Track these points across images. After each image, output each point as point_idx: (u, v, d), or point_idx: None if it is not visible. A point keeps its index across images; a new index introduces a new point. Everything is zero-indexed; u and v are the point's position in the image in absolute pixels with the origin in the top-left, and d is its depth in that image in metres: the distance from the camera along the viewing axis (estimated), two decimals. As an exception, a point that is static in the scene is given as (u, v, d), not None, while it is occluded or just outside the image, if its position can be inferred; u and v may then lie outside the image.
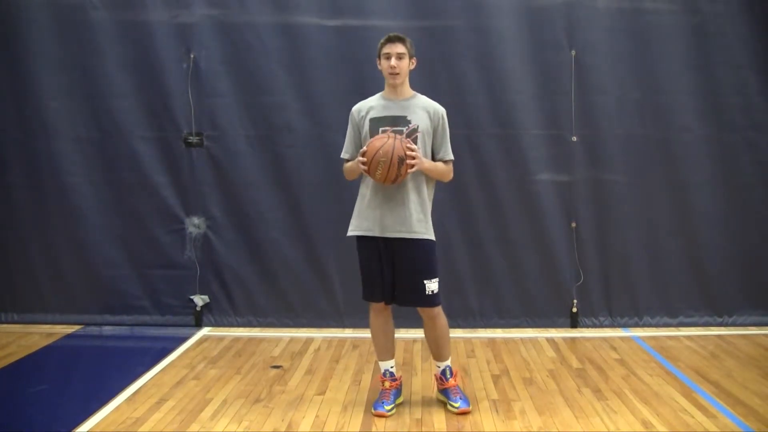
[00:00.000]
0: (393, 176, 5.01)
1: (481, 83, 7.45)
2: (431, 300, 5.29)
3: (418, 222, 5.22)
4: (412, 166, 5.04)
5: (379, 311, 5.43)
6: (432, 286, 5.26)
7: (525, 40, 7.46)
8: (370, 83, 6.96)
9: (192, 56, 7.50)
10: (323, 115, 7.48)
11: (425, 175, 5.26)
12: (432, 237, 5.31)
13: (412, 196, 5.22)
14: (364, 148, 5.08)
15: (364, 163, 5.04)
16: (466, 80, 7.43)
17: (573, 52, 7.44)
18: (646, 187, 7.55)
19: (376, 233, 5.23)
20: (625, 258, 7.62)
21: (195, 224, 7.63)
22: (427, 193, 5.33)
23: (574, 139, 7.49)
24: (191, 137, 7.56)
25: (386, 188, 5.17)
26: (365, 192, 5.30)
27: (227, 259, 7.66)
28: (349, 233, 5.38)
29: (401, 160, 4.98)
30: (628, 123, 7.50)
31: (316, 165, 7.52)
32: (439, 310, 5.37)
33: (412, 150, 5.05)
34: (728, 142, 7.53)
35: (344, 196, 7.26)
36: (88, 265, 7.69)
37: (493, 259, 7.59)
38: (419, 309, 5.38)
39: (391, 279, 5.31)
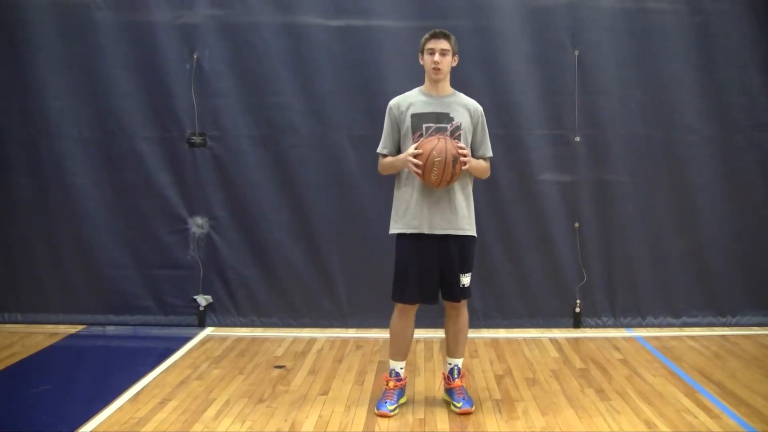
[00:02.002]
0: (448, 176, 5.02)
1: (484, 83, 7.44)
2: (462, 293, 5.35)
3: (463, 218, 5.27)
4: (465, 163, 5.06)
5: (405, 313, 5.40)
6: (465, 280, 5.32)
7: (528, 41, 7.47)
8: (374, 83, 6.99)
9: (195, 56, 7.50)
10: (327, 115, 7.48)
11: (469, 172, 5.29)
12: (475, 233, 5.38)
13: (459, 194, 5.26)
14: (415, 149, 5.07)
15: (417, 166, 5.03)
16: (469, 80, 7.40)
17: (576, 52, 7.44)
18: (650, 187, 7.56)
19: (425, 230, 5.23)
20: (629, 258, 7.62)
21: (198, 224, 7.63)
22: (471, 190, 5.39)
23: (578, 139, 7.50)
24: (194, 137, 7.56)
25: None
26: (411, 190, 5.27)
27: (230, 259, 7.66)
28: (395, 231, 5.35)
29: (455, 159, 5.00)
30: (631, 123, 7.51)
31: (320, 165, 7.52)
32: (464, 304, 5.43)
33: (463, 148, 5.08)
34: (732, 142, 7.54)
35: (347, 196, 7.32)
36: (91, 265, 7.69)
37: (496, 259, 7.59)
38: (446, 302, 5.41)
39: (437, 277, 5.31)
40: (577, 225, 7.57)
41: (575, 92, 7.46)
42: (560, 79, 7.49)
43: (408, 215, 5.28)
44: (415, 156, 5.04)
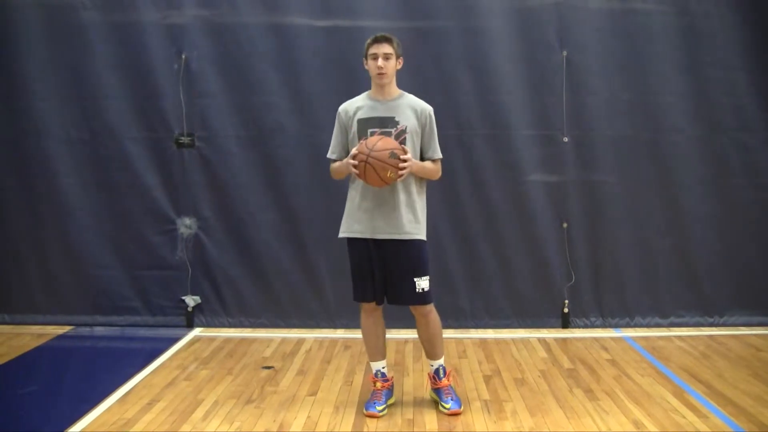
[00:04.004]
0: (386, 174, 4.98)
1: (472, 84, 7.46)
2: (422, 298, 5.30)
3: (408, 223, 5.24)
4: (404, 168, 5.04)
5: (370, 312, 5.44)
6: (422, 284, 5.27)
7: (516, 41, 7.48)
8: (361, 84, 6.94)
9: (183, 57, 7.49)
10: (314, 115, 7.47)
11: (414, 175, 5.27)
12: (422, 237, 5.32)
13: (402, 197, 5.23)
14: (354, 150, 5.08)
15: (356, 167, 5.04)
16: (457, 81, 7.44)
17: (564, 53, 7.45)
18: (637, 187, 7.57)
19: (367, 235, 5.25)
20: (616, 258, 7.63)
21: (186, 225, 7.62)
22: (417, 193, 5.33)
23: (566, 139, 7.51)
24: (182, 138, 7.55)
25: (376, 190, 5.18)
26: (355, 194, 5.31)
27: (218, 259, 7.65)
28: (341, 235, 5.39)
29: (393, 155, 4.97)
30: (619, 123, 7.52)
31: (307, 166, 7.52)
32: (431, 308, 5.39)
33: (405, 152, 5.06)
34: (718, 142, 7.55)
35: (335, 196, 7.25)
36: (79, 266, 7.68)
37: (484, 259, 7.60)
38: (411, 307, 5.39)
39: (383, 279, 5.32)
40: (565, 225, 7.58)
41: (563, 93, 7.47)
42: (548, 79, 7.50)
43: (351, 219, 5.32)
44: (353, 157, 5.06)
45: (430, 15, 7.43)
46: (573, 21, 7.46)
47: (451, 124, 7.22)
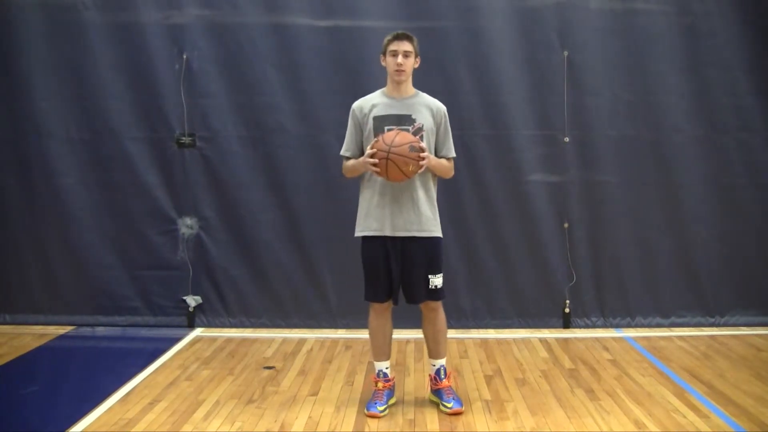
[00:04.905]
0: (407, 167, 5.00)
1: (473, 84, 7.46)
2: (434, 294, 5.34)
3: (429, 219, 5.28)
4: (423, 159, 5.05)
5: (380, 312, 5.43)
6: (436, 281, 5.31)
7: (517, 41, 7.48)
8: (362, 84, 6.96)
9: (184, 57, 7.49)
10: (315, 115, 7.48)
11: (431, 172, 5.29)
12: (440, 234, 5.37)
13: (421, 194, 5.26)
14: (371, 149, 5.08)
15: (376, 165, 5.04)
16: (458, 81, 7.44)
17: (565, 53, 7.45)
18: (638, 187, 7.57)
19: (387, 233, 5.25)
20: (618, 258, 7.63)
21: (187, 225, 7.62)
22: (434, 190, 5.38)
23: (567, 139, 7.51)
24: (183, 138, 7.55)
25: (394, 187, 5.19)
26: (372, 192, 5.31)
27: (220, 259, 7.65)
28: (358, 234, 5.38)
29: (412, 148, 5.01)
30: (620, 124, 7.52)
31: (309, 166, 7.52)
32: (440, 305, 5.42)
33: (422, 149, 5.07)
34: (719, 142, 7.56)
35: (336, 196, 7.31)
36: (80, 266, 7.67)
37: (485, 259, 7.59)
38: (421, 304, 5.40)
39: (399, 277, 5.33)
40: (566, 225, 7.58)
41: (564, 93, 7.47)
42: (549, 79, 7.50)
43: (369, 218, 5.31)
44: (372, 155, 5.06)
45: (431, 15, 7.43)
46: (574, 21, 7.46)
47: (452, 124, 7.13)
